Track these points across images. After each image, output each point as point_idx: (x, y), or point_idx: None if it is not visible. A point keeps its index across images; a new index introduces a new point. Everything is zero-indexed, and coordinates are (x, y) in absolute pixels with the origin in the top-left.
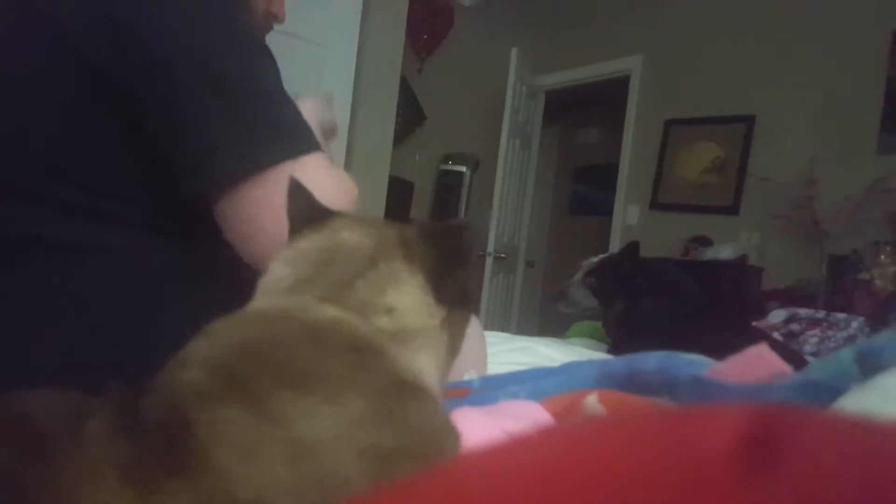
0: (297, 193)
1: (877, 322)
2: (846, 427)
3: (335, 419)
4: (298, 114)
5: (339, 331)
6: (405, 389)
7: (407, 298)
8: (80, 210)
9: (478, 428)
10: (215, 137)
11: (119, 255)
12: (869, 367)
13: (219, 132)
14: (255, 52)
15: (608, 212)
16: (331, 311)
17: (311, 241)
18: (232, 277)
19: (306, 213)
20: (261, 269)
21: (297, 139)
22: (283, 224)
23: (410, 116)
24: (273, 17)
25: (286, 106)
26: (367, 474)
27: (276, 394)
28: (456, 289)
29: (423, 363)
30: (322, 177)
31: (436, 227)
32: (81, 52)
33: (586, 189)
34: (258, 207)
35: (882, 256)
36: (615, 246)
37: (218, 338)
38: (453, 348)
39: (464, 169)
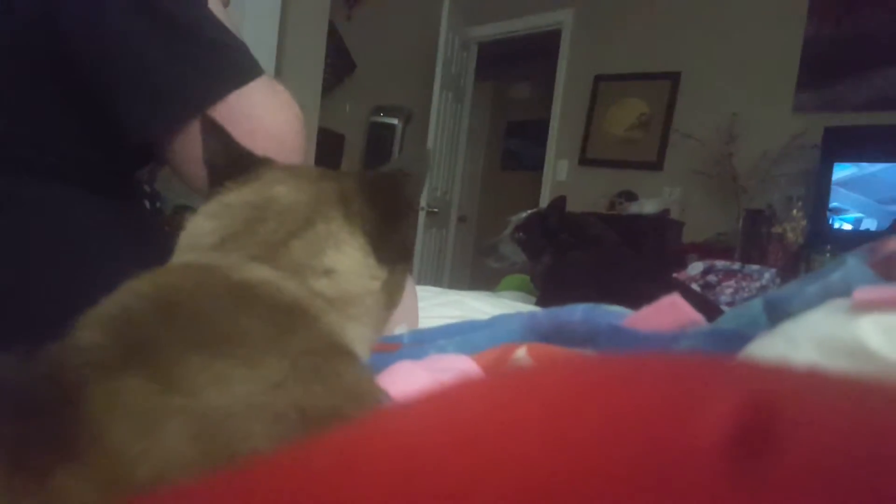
0: (213, 134)
1: (787, 273)
2: (846, 412)
3: (252, 384)
4: (234, 37)
5: (269, 291)
6: (336, 351)
7: (347, 260)
8: (16, 164)
9: (413, 381)
10: (156, 80)
11: (52, 208)
12: (777, 315)
13: (160, 74)
14: None
15: (539, 167)
16: (261, 271)
17: (240, 195)
18: (156, 231)
19: (224, 157)
20: None
21: (239, 67)
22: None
23: (340, 66)
24: None
25: (221, 32)
26: (288, 438)
27: (186, 358)
28: (398, 244)
29: (357, 333)
30: (268, 102)
31: (377, 179)
32: (10, 7)
33: (518, 144)
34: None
35: (794, 211)
36: (545, 201)
37: (128, 294)
38: (391, 304)
39: (396, 122)
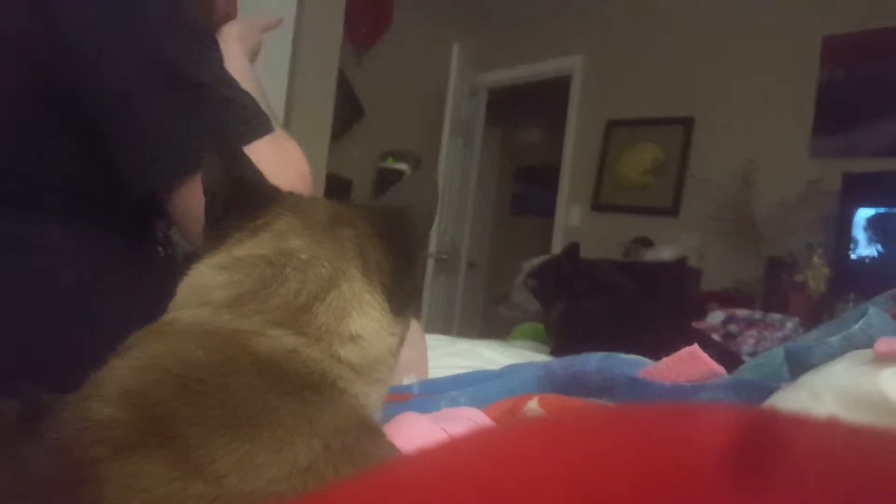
0: (215, 163)
1: (810, 322)
2: (841, 434)
3: (278, 468)
4: (245, 95)
5: (295, 364)
6: (363, 428)
7: (371, 323)
8: (20, 203)
9: (421, 433)
10: (160, 134)
11: (56, 249)
12: (798, 366)
13: (164, 129)
14: (197, 40)
15: (550, 212)
16: (287, 340)
17: (252, 248)
18: (165, 279)
19: (227, 189)
20: None
21: (246, 124)
22: None
23: (349, 112)
24: (227, 17)
25: (232, 89)
26: None
27: (209, 440)
28: (411, 291)
29: (378, 395)
30: (273, 160)
31: (390, 220)
32: (24, 51)
33: (528, 189)
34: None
35: (815, 258)
36: (557, 247)
37: (143, 360)
38: (400, 350)
39: (405, 167)
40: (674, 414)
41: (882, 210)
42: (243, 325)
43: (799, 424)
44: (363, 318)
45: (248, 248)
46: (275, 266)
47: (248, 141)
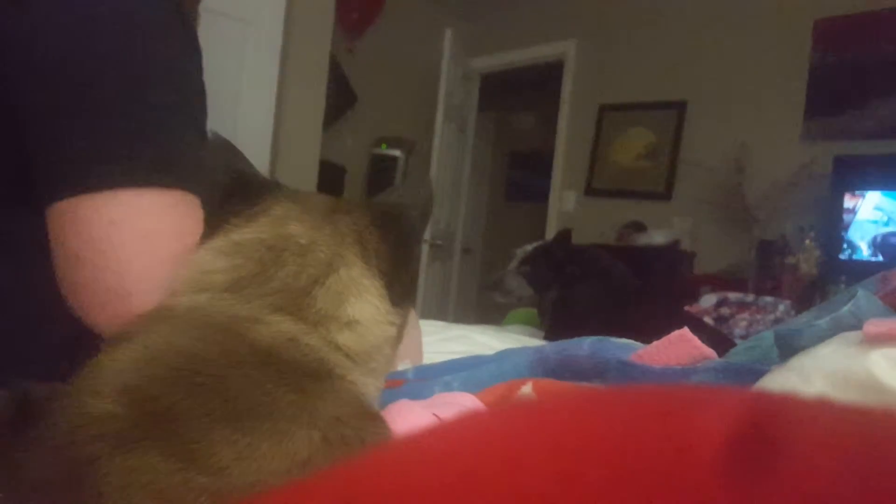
0: (219, 153)
1: (802, 305)
2: (844, 421)
3: (278, 461)
4: (181, 139)
5: (295, 353)
6: (361, 415)
7: (369, 309)
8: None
9: (413, 420)
10: (54, 152)
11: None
12: (788, 348)
13: (60, 147)
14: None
15: (544, 197)
16: (286, 326)
17: (250, 232)
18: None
19: (226, 180)
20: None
21: (146, 166)
22: (85, 245)
23: (341, 98)
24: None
25: (181, 116)
26: None
27: (210, 432)
28: (409, 282)
29: (375, 385)
30: (146, 228)
31: (387, 214)
32: None
33: (522, 175)
34: (63, 224)
35: (807, 241)
36: (551, 232)
37: (141, 352)
38: (399, 342)
39: (398, 153)
40: (661, 396)
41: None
42: (242, 311)
43: (791, 404)
44: (361, 303)
45: (246, 232)
46: (274, 250)
47: (134, 184)
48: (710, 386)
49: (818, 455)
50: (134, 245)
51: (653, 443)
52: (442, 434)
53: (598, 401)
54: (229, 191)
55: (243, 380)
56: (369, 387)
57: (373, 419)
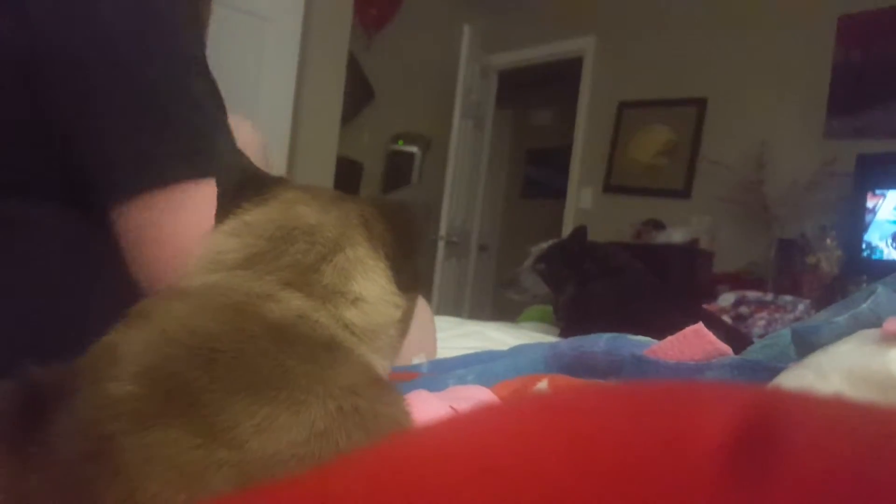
0: (227, 153)
1: (822, 304)
2: (846, 420)
3: (296, 431)
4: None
5: (306, 327)
6: (373, 384)
7: (374, 287)
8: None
9: (430, 411)
10: (108, 155)
11: (41, 227)
12: (805, 346)
13: (113, 151)
14: (180, 66)
15: (561, 195)
16: (296, 303)
17: (261, 214)
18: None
19: (236, 176)
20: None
21: (191, 161)
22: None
23: (359, 94)
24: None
25: (199, 126)
26: None
27: (228, 405)
28: (413, 271)
29: (379, 366)
30: (202, 212)
31: (393, 206)
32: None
33: (540, 171)
34: (141, 230)
35: (828, 240)
36: (568, 229)
37: (156, 334)
38: (405, 333)
39: (415, 150)
40: (676, 392)
41: None
42: (255, 287)
43: (801, 401)
44: (367, 281)
45: (257, 214)
46: (284, 228)
47: (183, 178)
48: (718, 383)
49: (818, 454)
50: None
51: (656, 440)
52: (461, 426)
53: (608, 398)
54: (240, 185)
55: (258, 353)
56: (376, 364)
57: (385, 388)
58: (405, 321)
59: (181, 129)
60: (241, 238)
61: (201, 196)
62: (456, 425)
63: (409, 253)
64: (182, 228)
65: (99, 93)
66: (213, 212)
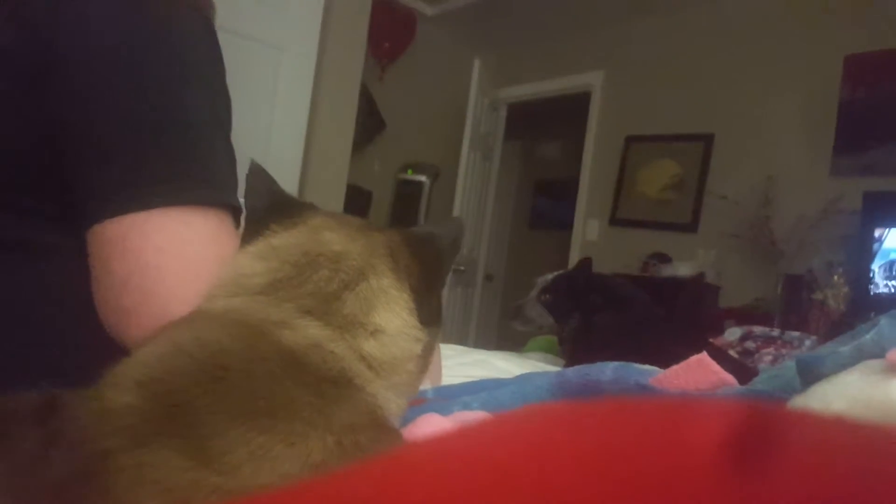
0: (258, 178)
1: (829, 341)
2: (839, 428)
3: (291, 463)
4: (214, 157)
5: (318, 358)
6: (377, 427)
7: (396, 320)
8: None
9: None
10: (97, 173)
11: (43, 250)
12: (810, 376)
13: (103, 168)
14: (191, 86)
15: (568, 226)
16: (313, 331)
17: (288, 238)
18: None
19: (266, 200)
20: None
21: (188, 185)
22: (134, 271)
23: (370, 124)
24: None
25: (203, 147)
26: None
27: (226, 431)
28: (436, 307)
29: (396, 405)
30: (199, 244)
31: (421, 238)
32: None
33: (547, 203)
34: (110, 248)
35: (835, 277)
36: (574, 261)
37: (169, 345)
38: (425, 369)
39: (424, 179)
40: (677, 405)
41: None
42: (273, 314)
43: (799, 415)
44: (389, 313)
45: (284, 237)
46: (309, 255)
47: (181, 202)
48: (719, 399)
49: (814, 459)
50: (181, 272)
51: (659, 448)
52: (472, 435)
53: (613, 410)
54: (269, 208)
55: (265, 376)
56: (391, 403)
57: (388, 432)
58: (425, 356)
59: (166, 153)
60: (266, 262)
61: (182, 229)
62: (467, 435)
63: (433, 286)
64: (155, 261)
65: (89, 110)
66: (200, 251)
